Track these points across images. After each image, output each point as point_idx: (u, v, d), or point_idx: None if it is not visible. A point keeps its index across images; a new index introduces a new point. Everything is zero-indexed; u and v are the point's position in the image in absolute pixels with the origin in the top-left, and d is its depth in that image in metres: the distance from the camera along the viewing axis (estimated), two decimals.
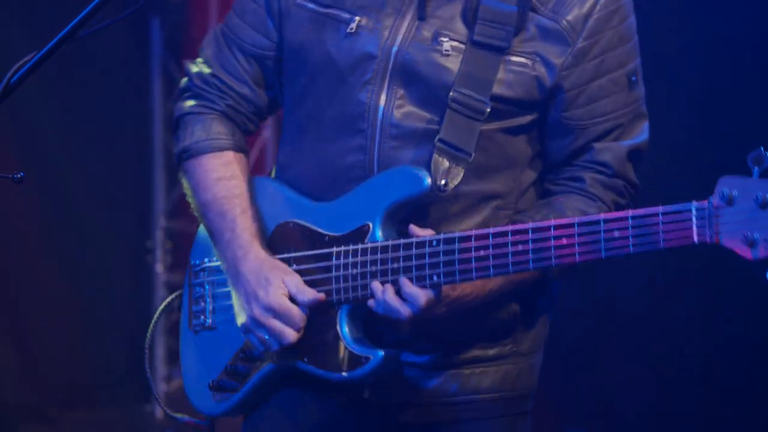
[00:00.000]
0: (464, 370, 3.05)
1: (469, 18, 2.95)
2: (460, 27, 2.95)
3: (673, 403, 6.17)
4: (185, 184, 3.14)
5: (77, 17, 2.70)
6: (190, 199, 3.13)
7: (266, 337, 2.96)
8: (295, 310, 2.94)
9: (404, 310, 2.85)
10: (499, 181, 3.02)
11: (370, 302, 2.89)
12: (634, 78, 3.02)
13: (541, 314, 3.13)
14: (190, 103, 3.14)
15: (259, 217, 3.08)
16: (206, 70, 3.13)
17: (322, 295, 2.95)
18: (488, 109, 2.92)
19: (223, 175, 3.09)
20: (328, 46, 3.00)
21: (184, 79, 3.15)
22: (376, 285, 2.88)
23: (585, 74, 2.98)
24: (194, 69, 3.14)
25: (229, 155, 3.11)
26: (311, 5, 3.02)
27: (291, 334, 2.94)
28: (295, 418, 3.12)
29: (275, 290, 2.95)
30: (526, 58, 2.95)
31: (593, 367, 6.32)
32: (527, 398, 3.13)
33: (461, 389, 3.06)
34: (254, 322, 2.98)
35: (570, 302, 3.09)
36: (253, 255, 3.01)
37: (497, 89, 2.93)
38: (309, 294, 2.95)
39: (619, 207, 3.00)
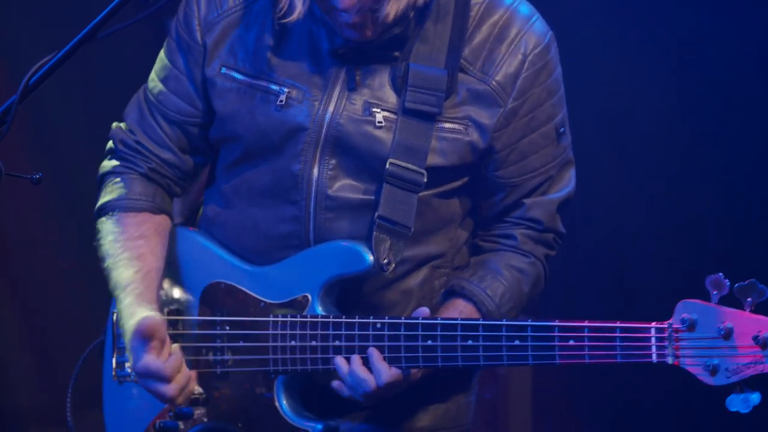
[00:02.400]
0: (405, 412, 3.11)
1: (399, 85, 2.95)
2: (390, 95, 2.95)
3: (696, 408, 6.17)
4: (98, 241, 3.14)
5: (96, 18, 2.71)
6: (100, 256, 3.12)
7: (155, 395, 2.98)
8: (159, 366, 2.92)
9: (371, 382, 2.88)
10: (435, 243, 3.05)
11: (335, 383, 2.92)
12: (562, 129, 3.05)
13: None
14: (114, 163, 3.15)
15: (181, 275, 3.09)
16: (130, 136, 3.13)
17: (177, 356, 2.94)
18: (425, 180, 2.93)
19: (131, 236, 3.09)
20: (259, 118, 3.00)
21: (110, 142, 3.16)
22: (340, 360, 2.90)
23: (516, 133, 3.00)
24: (119, 134, 3.15)
25: (144, 215, 3.11)
26: (238, 76, 3.02)
27: (167, 390, 2.94)
28: None
29: (148, 353, 2.94)
30: (459, 123, 2.96)
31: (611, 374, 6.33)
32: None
33: (401, 430, 3.11)
34: (144, 387, 3.00)
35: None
36: (127, 315, 3.00)
37: (432, 159, 2.94)
38: (145, 366, 2.94)
39: (549, 259, 3.09)
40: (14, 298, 6.36)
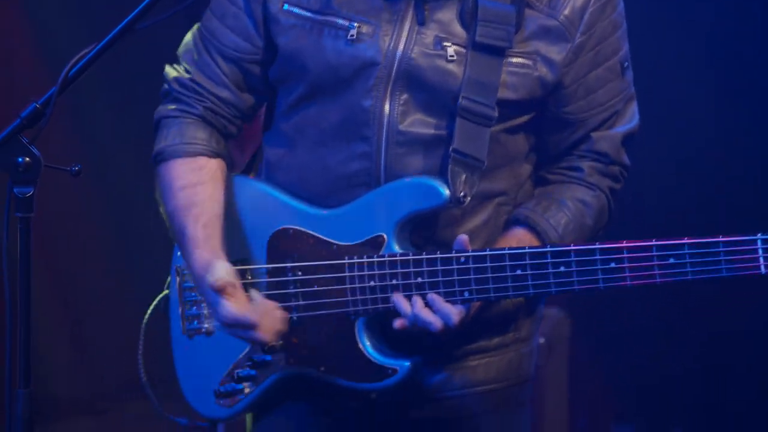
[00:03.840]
0: (470, 362, 3.09)
1: (468, 20, 2.94)
2: (460, 30, 2.95)
3: (725, 397, 6.14)
4: (156, 188, 3.12)
5: (135, 11, 2.71)
6: (159, 203, 3.12)
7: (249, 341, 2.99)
8: (248, 313, 2.92)
9: (437, 323, 2.87)
10: (501, 179, 3.04)
11: (398, 322, 2.89)
12: (626, 63, 3.06)
13: (537, 300, 3.16)
14: (170, 107, 3.13)
15: (245, 223, 3.08)
16: (185, 75, 3.11)
17: (236, 281, 2.92)
18: (496, 114, 2.92)
19: (188, 182, 3.06)
20: (328, 53, 2.97)
21: (165, 84, 3.14)
22: (401, 300, 2.89)
23: (584, 67, 3.00)
24: (173, 74, 3.13)
25: (201, 161, 3.09)
26: (304, 12, 3.00)
27: (258, 335, 2.93)
28: (304, 421, 3.12)
29: (220, 299, 2.92)
30: (527, 58, 2.96)
31: (646, 362, 6.32)
32: (529, 383, 3.19)
33: (469, 382, 3.09)
34: (231, 336, 2.99)
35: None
36: (197, 266, 2.99)
37: (502, 93, 2.94)
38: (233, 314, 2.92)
39: (614, 192, 3.09)
40: (52, 290, 6.39)
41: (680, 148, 5.94)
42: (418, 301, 2.88)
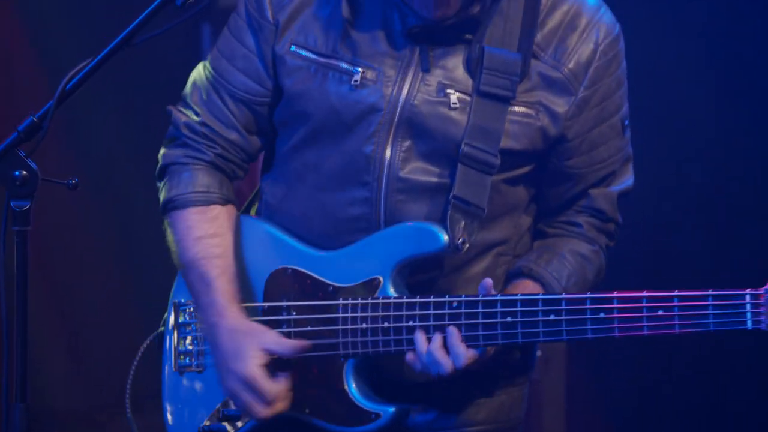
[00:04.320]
0: (461, 403, 3.11)
1: (473, 67, 2.95)
2: (465, 77, 2.95)
3: (723, 411, 6.15)
4: (169, 236, 3.13)
5: (133, 24, 2.73)
6: (172, 253, 3.12)
7: (242, 406, 3.02)
8: (268, 387, 2.96)
9: (448, 365, 2.87)
10: (501, 229, 3.05)
11: (409, 356, 2.90)
12: (626, 122, 3.08)
13: (530, 346, 3.17)
14: (178, 152, 3.12)
15: (246, 263, 3.09)
16: (195, 118, 3.11)
17: (307, 343, 2.98)
18: (498, 162, 2.93)
19: (205, 233, 3.08)
20: (332, 97, 2.98)
21: (171, 127, 3.14)
22: (421, 337, 2.89)
23: (587, 123, 3.01)
24: (182, 118, 3.12)
25: (215, 210, 3.10)
26: (310, 55, 3.01)
27: (262, 411, 2.97)
28: None
29: (250, 362, 2.97)
30: (531, 108, 2.96)
31: (643, 375, 6.32)
32: (518, 428, 3.20)
33: (459, 422, 3.11)
34: (232, 392, 3.01)
35: None
36: (227, 322, 3.02)
37: (505, 142, 2.94)
38: (290, 346, 2.97)
39: (609, 249, 3.11)
40: (49, 302, 6.40)
41: (679, 148, 5.92)
42: (437, 340, 2.87)
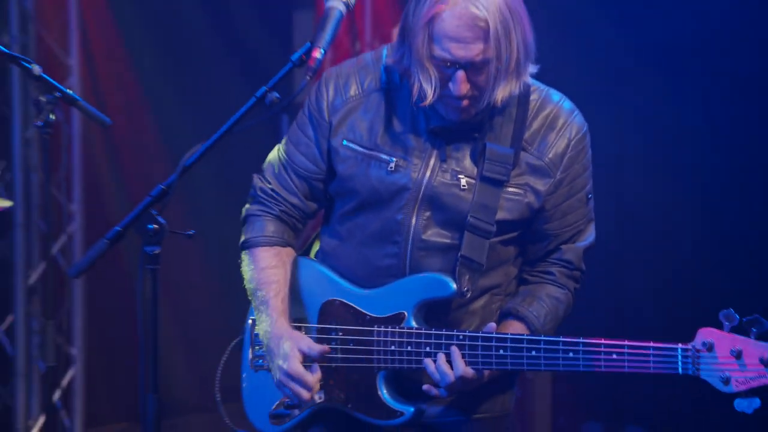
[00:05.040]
0: (466, 398, 3.09)
1: (477, 158, 2.96)
2: (471, 166, 2.97)
3: (672, 398, 6.06)
4: (243, 267, 3.16)
5: (234, 117, 2.77)
6: (244, 280, 3.15)
7: (289, 393, 3.02)
8: (309, 377, 2.98)
9: (450, 375, 2.90)
10: (495, 277, 3.05)
11: (425, 387, 2.93)
12: (590, 195, 3.08)
13: (515, 375, 3.20)
14: (255, 207, 3.16)
15: (304, 293, 3.11)
16: (267, 185, 3.14)
17: (327, 348, 3.01)
18: (494, 230, 2.95)
19: (267, 265, 3.10)
20: (373, 179, 3.00)
21: (252, 190, 3.18)
22: (428, 361, 2.92)
23: (561, 197, 3.02)
24: (259, 183, 3.16)
25: (277, 249, 3.12)
26: (358, 148, 3.02)
27: (305, 395, 2.99)
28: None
29: (292, 360, 2.98)
30: (520, 189, 2.98)
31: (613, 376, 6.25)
32: (509, 416, 3.18)
33: (463, 412, 3.10)
34: (279, 383, 3.02)
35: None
36: (276, 330, 3.04)
37: (500, 215, 2.96)
38: (318, 349, 2.99)
39: (576, 291, 3.10)
40: (173, 317, 6.44)
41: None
42: (443, 357, 2.91)
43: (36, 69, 3.55)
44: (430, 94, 2.87)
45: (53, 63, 5.98)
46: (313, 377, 2.99)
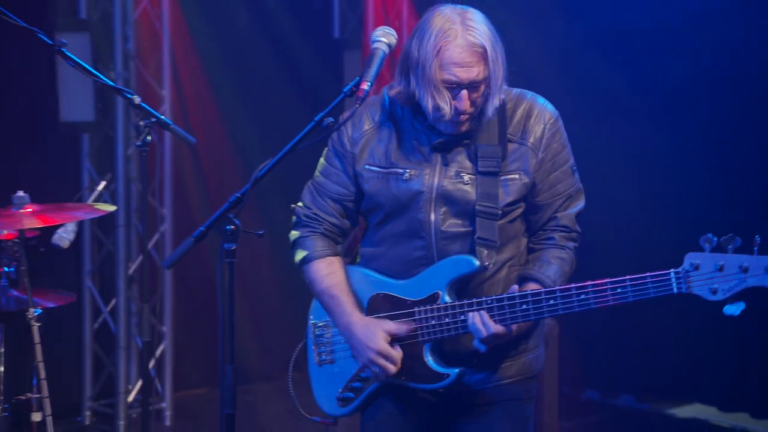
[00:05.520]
0: (499, 366, 3.07)
1: (472, 157, 2.96)
2: (469, 165, 2.96)
3: (658, 368, 5.98)
4: (306, 280, 3.15)
5: (295, 138, 2.78)
6: (310, 289, 3.14)
7: (377, 370, 2.99)
8: (394, 353, 2.96)
9: (483, 331, 2.89)
10: (509, 251, 3.02)
11: (469, 317, 2.90)
12: (574, 168, 3.04)
13: (540, 322, 3.14)
14: (302, 230, 3.15)
15: (354, 293, 3.08)
16: (309, 210, 3.14)
17: (413, 326, 2.98)
18: (500, 212, 2.94)
19: (327, 272, 3.09)
20: (393, 190, 3.00)
21: (294, 217, 3.18)
22: (469, 316, 2.91)
23: (546, 171, 2.99)
24: (302, 211, 3.15)
25: (330, 259, 3.11)
26: (378, 169, 3.03)
27: (392, 368, 2.97)
28: (394, 411, 3.10)
29: (379, 339, 2.96)
30: (514, 173, 2.96)
31: (608, 350, 6.19)
32: (537, 377, 3.14)
33: (499, 377, 3.07)
34: (370, 361, 2.99)
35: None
36: (357, 319, 3.02)
37: (502, 199, 2.95)
38: (404, 329, 2.98)
39: (576, 249, 3.07)
40: (245, 301, 6.46)
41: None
42: (476, 317, 2.91)
43: (136, 99, 3.58)
44: (448, 112, 2.89)
45: (150, 94, 6.04)
46: (398, 353, 2.98)
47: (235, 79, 6.57)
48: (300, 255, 3.14)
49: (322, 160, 3.16)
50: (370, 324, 3.00)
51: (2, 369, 3.91)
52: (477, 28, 2.86)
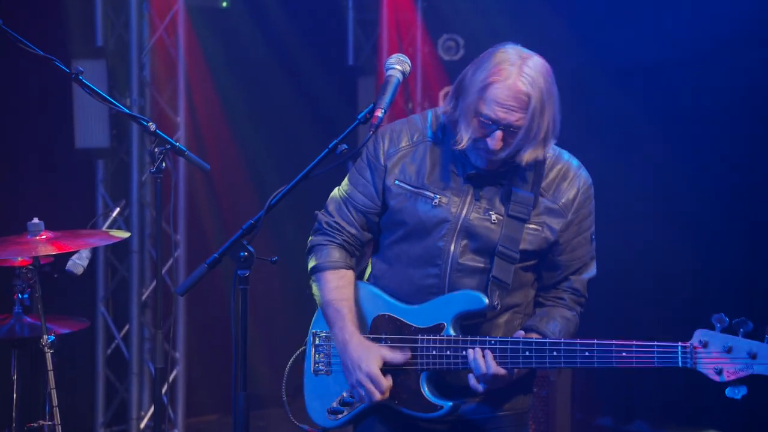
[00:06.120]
0: (494, 398, 3.06)
1: (504, 199, 2.97)
2: (500, 205, 2.97)
3: (675, 396, 5.94)
4: (314, 289, 3.14)
5: (310, 165, 2.78)
6: (317, 297, 3.13)
7: (363, 393, 2.97)
8: (383, 380, 2.95)
9: (484, 368, 2.88)
10: (517, 297, 3.03)
11: (470, 353, 2.89)
12: (593, 236, 3.07)
13: (532, 377, 3.17)
14: (320, 238, 3.14)
15: (360, 309, 3.07)
16: (330, 218, 3.13)
17: (409, 355, 2.96)
18: (518, 257, 2.95)
19: (337, 285, 3.07)
20: (420, 212, 3.00)
21: (316, 223, 3.17)
22: (470, 352, 2.90)
23: (571, 234, 3.01)
24: (324, 218, 3.15)
25: (342, 272, 3.10)
26: (407, 186, 3.03)
27: (378, 395, 2.95)
28: (386, 429, 3.09)
29: (372, 363, 2.95)
30: (539, 225, 2.98)
31: (622, 376, 6.14)
32: (528, 411, 3.15)
33: (493, 409, 3.07)
34: (358, 382, 2.97)
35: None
36: (356, 339, 3.00)
37: (523, 245, 2.96)
38: (400, 358, 2.97)
39: (581, 314, 3.08)
40: (263, 327, 6.44)
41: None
42: (478, 353, 2.89)
43: (151, 126, 3.60)
44: (465, 140, 2.90)
45: (165, 120, 6.08)
46: (388, 382, 2.96)
47: (249, 106, 6.60)
48: (313, 262, 3.14)
49: (353, 169, 3.16)
50: (367, 346, 2.99)
51: (15, 396, 3.91)
52: (531, 75, 2.86)
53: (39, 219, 3.92)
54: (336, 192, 3.17)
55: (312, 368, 3.14)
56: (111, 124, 5.96)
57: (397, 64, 2.91)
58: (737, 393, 2.65)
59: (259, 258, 2.71)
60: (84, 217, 5.57)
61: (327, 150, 2.78)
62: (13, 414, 3.90)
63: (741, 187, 5.53)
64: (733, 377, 2.65)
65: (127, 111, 3.82)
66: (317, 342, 3.14)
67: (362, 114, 2.85)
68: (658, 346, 2.73)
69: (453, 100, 2.97)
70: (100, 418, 6.06)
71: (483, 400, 3.03)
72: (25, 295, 4.05)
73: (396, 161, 3.04)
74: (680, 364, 2.71)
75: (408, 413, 2.98)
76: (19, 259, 4.04)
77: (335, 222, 3.11)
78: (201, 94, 6.39)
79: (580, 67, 5.74)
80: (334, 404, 3.08)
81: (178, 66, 6.12)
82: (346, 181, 3.15)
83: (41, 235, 3.88)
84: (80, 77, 3.53)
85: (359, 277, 3.18)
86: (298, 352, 3.21)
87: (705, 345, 2.68)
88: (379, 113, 2.82)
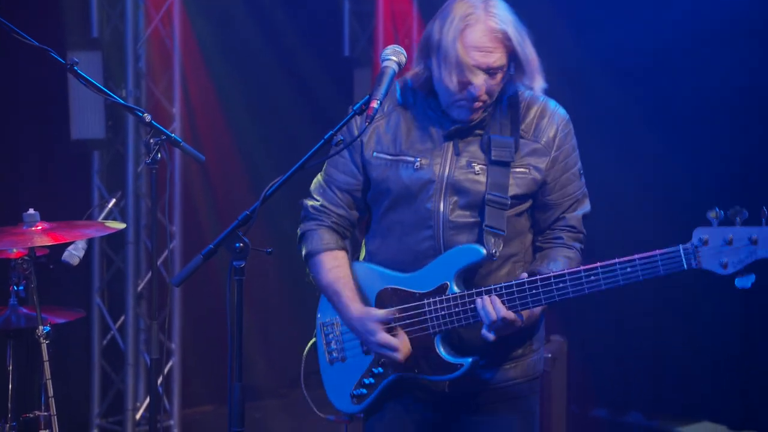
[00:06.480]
0: (505, 366, 3.06)
1: (485, 148, 2.96)
2: (481, 155, 2.96)
3: (668, 387, 5.95)
4: (311, 274, 3.16)
5: (305, 156, 2.78)
6: (315, 282, 3.15)
7: (387, 361, 2.99)
8: (395, 341, 2.96)
9: (493, 314, 2.87)
10: (514, 246, 3.02)
11: (478, 301, 2.88)
12: (581, 171, 3.07)
13: (542, 323, 3.13)
14: (309, 224, 3.16)
15: (361, 289, 3.07)
16: (316, 203, 3.14)
17: (394, 310, 2.97)
18: (509, 203, 2.94)
19: (332, 266, 3.09)
20: (403, 177, 3.00)
21: (302, 211, 3.18)
22: (478, 301, 2.89)
23: (558, 172, 3.01)
24: (310, 203, 3.16)
25: (336, 253, 3.11)
26: (386, 156, 3.03)
27: (399, 357, 2.97)
28: (400, 412, 3.10)
29: (377, 331, 2.97)
30: (525, 168, 2.97)
31: (616, 368, 6.16)
32: (539, 378, 3.15)
33: (503, 379, 3.06)
34: (376, 353, 3.01)
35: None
36: (356, 313, 3.02)
37: (512, 190, 2.95)
38: (388, 313, 2.98)
39: (581, 251, 3.07)
40: (254, 316, 6.44)
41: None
42: (486, 300, 2.90)
43: (147, 117, 3.60)
44: (453, 91, 2.89)
45: (160, 112, 6.07)
46: (399, 340, 2.97)
47: (245, 97, 6.60)
48: (306, 248, 3.15)
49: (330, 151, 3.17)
50: (363, 319, 3.01)
51: (11, 386, 3.91)
52: (499, 14, 2.90)
53: (35, 210, 3.92)
54: (318, 177, 3.18)
55: (327, 358, 3.15)
56: (106, 115, 5.96)
57: (393, 55, 2.92)
58: (747, 282, 2.62)
59: (255, 249, 2.71)
60: (80, 208, 5.54)
61: (323, 141, 2.78)
62: (9, 405, 3.91)
63: (741, 186, 5.54)
64: (739, 267, 2.62)
65: (123, 102, 3.82)
66: (326, 331, 3.15)
67: (358, 105, 2.86)
68: (661, 254, 2.72)
69: (421, 60, 2.98)
70: (96, 408, 6.07)
71: (496, 368, 3.03)
72: (21, 287, 4.05)
73: (371, 133, 3.05)
74: (685, 266, 2.69)
75: (430, 379, 2.98)
76: (15, 250, 4.04)
77: (321, 206, 3.13)
78: (197, 85, 6.38)
79: (580, 67, 5.74)
80: (356, 387, 3.08)
81: (173, 57, 6.11)
82: (325, 166, 3.16)
83: (37, 226, 3.89)
84: (75, 68, 3.52)
85: (354, 259, 3.19)
86: (310, 344, 3.21)
87: (705, 242, 2.66)
88: (374, 104, 2.82)
